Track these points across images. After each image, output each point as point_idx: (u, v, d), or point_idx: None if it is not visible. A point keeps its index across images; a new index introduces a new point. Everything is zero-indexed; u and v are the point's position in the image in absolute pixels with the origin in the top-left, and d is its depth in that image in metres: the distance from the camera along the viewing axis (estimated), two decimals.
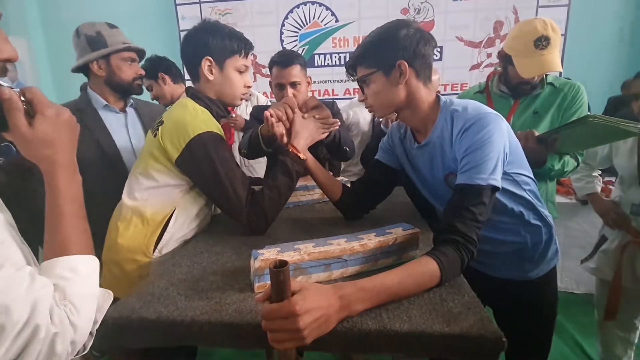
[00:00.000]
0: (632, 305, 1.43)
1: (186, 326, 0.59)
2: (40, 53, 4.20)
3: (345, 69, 0.94)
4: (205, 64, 0.97)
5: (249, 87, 1.05)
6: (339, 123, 1.13)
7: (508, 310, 1.06)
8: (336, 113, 1.54)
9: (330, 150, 1.37)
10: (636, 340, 1.50)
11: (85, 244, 0.52)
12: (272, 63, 1.42)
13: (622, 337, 1.49)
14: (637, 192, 1.35)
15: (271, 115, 1.00)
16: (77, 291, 0.47)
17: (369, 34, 0.87)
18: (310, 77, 1.49)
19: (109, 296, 0.56)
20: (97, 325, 0.52)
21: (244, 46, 1.01)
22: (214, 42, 0.96)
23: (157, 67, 1.99)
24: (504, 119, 0.80)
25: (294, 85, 1.38)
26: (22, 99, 0.49)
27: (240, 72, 1.02)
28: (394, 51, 0.81)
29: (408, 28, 0.82)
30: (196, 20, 3.78)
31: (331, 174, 1.15)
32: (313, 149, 1.09)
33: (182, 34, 3.81)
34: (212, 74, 0.99)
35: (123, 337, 0.61)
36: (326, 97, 3.80)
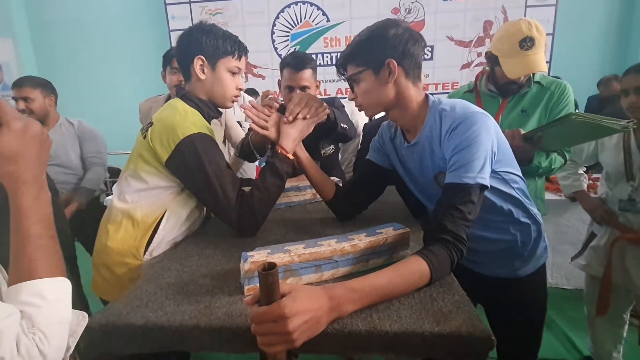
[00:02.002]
0: (621, 300, 1.45)
1: (174, 331, 0.59)
2: (27, 53, 4.13)
3: (335, 68, 0.94)
4: (197, 63, 0.97)
5: (240, 89, 1.05)
6: (327, 110, 1.10)
7: (498, 308, 1.07)
8: (338, 107, 1.54)
9: (328, 132, 1.31)
10: (625, 334, 1.53)
11: (55, 266, 0.48)
12: (284, 65, 1.41)
13: (612, 331, 1.52)
14: (624, 188, 1.37)
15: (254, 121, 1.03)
16: (45, 318, 0.44)
17: (359, 33, 0.87)
18: (320, 81, 1.50)
19: (83, 319, 0.53)
20: (70, 352, 0.49)
21: (237, 48, 1.00)
22: (207, 41, 0.96)
23: None
24: (491, 117, 0.81)
25: (303, 89, 1.38)
26: None
27: (233, 74, 1.02)
28: (383, 50, 0.81)
29: (397, 27, 0.82)
30: (186, 19, 3.77)
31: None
32: (314, 145, 1.08)
33: (172, 33, 3.78)
34: (203, 73, 0.98)
35: (110, 343, 0.60)
36: (318, 97, 3.81)
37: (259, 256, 0.67)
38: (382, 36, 0.82)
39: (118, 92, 4.22)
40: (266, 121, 1.04)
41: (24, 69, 4.08)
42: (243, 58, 1.04)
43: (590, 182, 2.06)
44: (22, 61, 4.08)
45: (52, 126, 1.92)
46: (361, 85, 0.86)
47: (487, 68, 1.36)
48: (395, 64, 0.81)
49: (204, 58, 0.97)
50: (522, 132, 1.13)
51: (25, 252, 0.46)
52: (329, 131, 1.27)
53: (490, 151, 0.77)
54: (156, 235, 0.93)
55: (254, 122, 1.03)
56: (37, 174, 0.50)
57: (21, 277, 0.46)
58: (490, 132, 0.78)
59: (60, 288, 0.48)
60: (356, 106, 0.92)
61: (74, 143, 1.96)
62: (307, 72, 1.37)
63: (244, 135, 1.54)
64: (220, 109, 1.08)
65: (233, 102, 1.05)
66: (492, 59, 1.27)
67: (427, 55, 3.64)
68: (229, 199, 0.92)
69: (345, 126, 1.33)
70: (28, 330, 0.43)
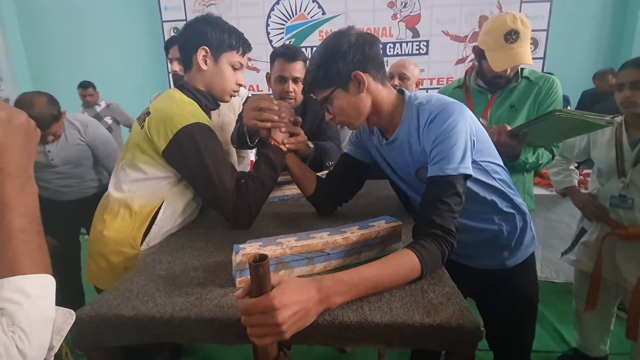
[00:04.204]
0: (609, 294, 1.48)
1: (165, 322, 0.58)
2: (15, 42, 4.04)
3: (302, 94, 0.91)
4: (200, 53, 0.96)
5: (240, 84, 1.05)
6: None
7: (490, 300, 1.08)
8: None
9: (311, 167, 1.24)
10: (612, 327, 1.56)
11: (40, 262, 0.47)
12: (276, 55, 1.39)
13: (600, 324, 1.55)
14: (616, 184, 1.37)
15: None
16: (27, 316, 0.43)
17: (312, 56, 0.85)
18: None
19: (70, 316, 0.51)
20: (55, 351, 0.48)
21: (242, 44, 1.01)
22: (213, 33, 0.96)
23: None
24: (467, 108, 0.81)
25: (295, 80, 1.37)
26: None
27: (235, 69, 1.02)
28: (344, 65, 0.79)
29: (349, 37, 0.80)
30: (179, 10, 3.71)
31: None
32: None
33: (165, 24, 3.72)
34: (205, 64, 0.98)
35: (99, 335, 0.60)
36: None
37: (250, 248, 0.67)
38: (338, 51, 0.79)
39: (110, 83, 4.15)
40: None
41: (12, 58, 3.99)
42: (246, 55, 1.04)
43: (581, 177, 2.08)
44: (11, 50, 3.99)
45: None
46: (335, 104, 0.84)
47: (476, 63, 1.36)
48: (361, 73, 0.79)
49: (207, 49, 0.96)
50: (508, 128, 1.13)
51: (8, 247, 0.45)
52: (312, 166, 1.21)
53: (469, 140, 0.77)
54: (154, 226, 0.93)
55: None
56: (22, 166, 0.48)
57: (3, 273, 0.44)
58: (467, 121, 0.78)
59: (43, 285, 0.47)
60: (337, 125, 0.90)
61: (84, 151, 1.77)
62: (300, 64, 1.36)
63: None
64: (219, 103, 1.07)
65: (231, 96, 1.05)
66: (479, 53, 1.27)
67: (423, 49, 3.63)
68: (226, 189, 0.92)
69: (331, 163, 1.27)
70: (8, 328, 0.41)
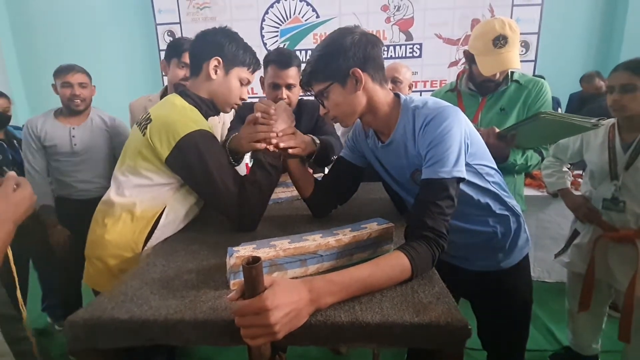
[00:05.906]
0: (602, 294, 1.49)
1: (159, 325, 0.59)
2: (8, 51, 4.00)
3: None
4: (213, 63, 0.98)
5: (243, 99, 1.07)
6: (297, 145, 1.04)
7: (485, 302, 1.09)
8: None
9: (319, 163, 1.21)
10: (603, 326, 1.58)
11: None
12: (269, 62, 1.38)
13: (592, 323, 1.56)
14: (608, 187, 1.37)
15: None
16: None
17: (315, 49, 0.86)
18: None
19: None
20: None
21: (254, 62, 1.04)
22: (229, 46, 0.99)
23: None
24: (461, 111, 0.83)
25: (289, 87, 1.36)
26: None
27: (242, 84, 1.04)
28: (344, 60, 0.81)
29: (353, 34, 0.81)
30: (173, 13, 3.71)
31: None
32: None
33: (159, 27, 3.71)
34: (215, 73, 1.00)
35: (94, 338, 0.60)
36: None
37: (244, 251, 0.68)
38: (340, 47, 0.81)
39: (104, 87, 4.12)
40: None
41: (5, 64, 3.96)
42: (255, 73, 1.07)
43: (572, 178, 2.10)
44: (3, 56, 3.96)
45: (84, 119, 1.87)
46: (331, 99, 0.85)
47: (466, 67, 1.38)
48: (360, 71, 0.81)
49: (220, 60, 0.99)
50: (497, 130, 1.15)
51: None
52: (319, 162, 1.18)
53: (463, 143, 0.79)
54: (156, 231, 0.94)
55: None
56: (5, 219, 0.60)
57: None
58: (462, 125, 0.80)
59: None
60: (330, 120, 0.91)
61: (105, 138, 1.85)
62: (293, 70, 1.35)
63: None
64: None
65: (232, 108, 1.07)
66: (469, 58, 1.29)
67: (416, 52, 3.66)
68: (231, 194, 0.93)
69: (336, 157, 1.22)
70: None
